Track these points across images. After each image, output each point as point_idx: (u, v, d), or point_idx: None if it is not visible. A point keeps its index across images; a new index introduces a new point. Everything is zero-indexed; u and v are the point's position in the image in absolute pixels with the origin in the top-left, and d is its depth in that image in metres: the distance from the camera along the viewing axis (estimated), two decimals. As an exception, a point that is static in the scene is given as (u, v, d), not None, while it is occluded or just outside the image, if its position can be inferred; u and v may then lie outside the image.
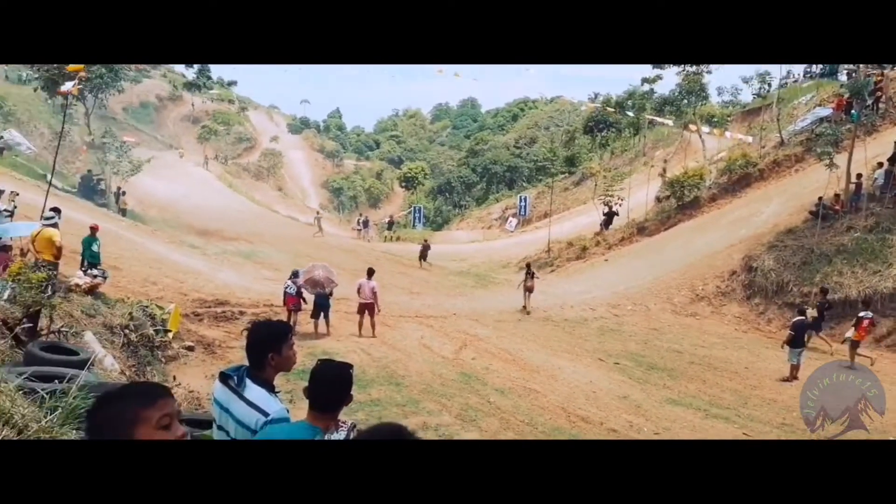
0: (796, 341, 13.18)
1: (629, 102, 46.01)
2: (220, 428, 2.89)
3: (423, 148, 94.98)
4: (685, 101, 36.80)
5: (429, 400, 10.55)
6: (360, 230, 42.66)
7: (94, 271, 12.42)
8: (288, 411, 2.82)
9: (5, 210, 13.55)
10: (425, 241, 31.70)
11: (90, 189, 32.39)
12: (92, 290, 11.62)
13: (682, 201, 28.74)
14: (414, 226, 47.93)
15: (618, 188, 30.66)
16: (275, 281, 18.61)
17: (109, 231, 19.09)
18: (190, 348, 12.06)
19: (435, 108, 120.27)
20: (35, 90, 35.91)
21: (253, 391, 2.81)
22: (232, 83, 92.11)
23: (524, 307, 19.64)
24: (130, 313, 10.93)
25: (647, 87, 44.85)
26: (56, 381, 5.99)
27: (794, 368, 13.05)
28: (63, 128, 20.39)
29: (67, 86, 14.42)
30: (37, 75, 34.09)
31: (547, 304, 20.22)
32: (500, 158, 62.25)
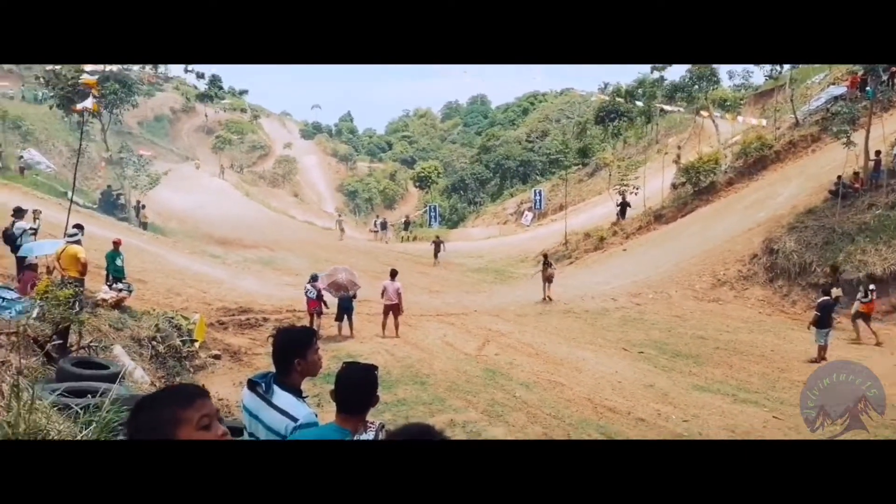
0: (823, 322, 13.04)
1: (639, 91, 45.68)
2: (250, 435, 2.94)
3: (436, 147, 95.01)
4: (696, 86, 36.48)
5: (454, 397, 10.59)
6: (377, 232, 42.93)
7: (120, 285, 12.62)
8: (316, 416, 2.86)
9: (30, 228, 13.78)
10: (437, 238, 32.01)
11: (110, 204, 32.84)
12: (118, 304, 11.81)
13: (698, 187, 28.50)
14: (430, 225, 48.00)
15: (633, 177, 30.47)
16: (295, 286, 18.77)
17: (132, 245, 19.37)
18: (217, 357, 12.21)
19: (445, 106, 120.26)
20: (50, 108, 36.50)
21: (281, 397, 2.84)
22: (243, 92, 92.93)
23: (545, 297, 19.91)
24: (157, 325, 11.10)
25: (657, 74, 44.51)
26: (89, 395, 6.11)
27: (822, 349, 12.92)
28: (81, 145, 20.68)
29: (86, 103, 14.60)
30: (52, 93, 34.64)
31: (567, 297, 20.17)
32: (513, 153, 62.08)
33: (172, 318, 12.06)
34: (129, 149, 38.29)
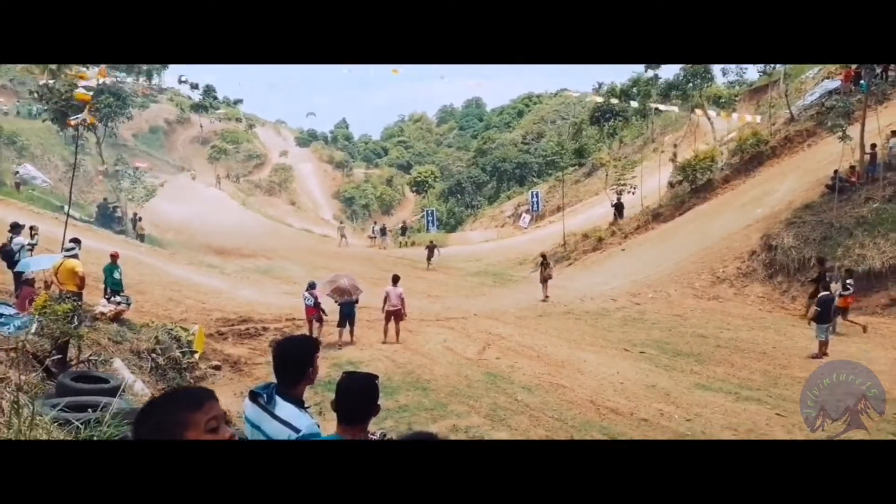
0: (823, 317, 13.01)
1: (634, 90, 45.74)
2: (253, 446, 2.92)
3: (432, 151, 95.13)
4: (690, 84, 36.55)
5: (456, 402, 10.56)
6: (374, 238, 43.02)
7: (118, 298, 12.59)
8: (318, 425, 2.84)
9: (28, 244, 13.74)
10: (431, 242, 32.46)
11: (107, 217, 32.79)
12: (117, 317, 11.78)
13: (695, 185, 28.54)
14: (428, 229, 48.04)
15: (629, 176, 30.50)
16: (294, 295, 18.73)
17: (129, 257, 19.34)
18: (217, 367, 12.17)
19: (440, 110, 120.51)
20: (43, 121, 36.50)
21: (283, 408, 2.82)
22: (238, 101, 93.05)
23: (545, 297, 20.20)
24: (156, 337, 11.07)
25: (651, 73, 44.58)
26: (89, 410, 6.08)
27: (823, 345, 12.89)
28: (76, 158, 20.68)
29: (82, 115, 14.60)
30: (46, 108, 34.64)
31: (567, 298, 20.15)
32: (509, 156, 62.17)
33: (171, 329, 12.03)
34: (125, 161, 38.32)
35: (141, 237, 31.02)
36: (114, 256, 13.74)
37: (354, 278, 15.62)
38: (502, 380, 11.82)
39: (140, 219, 32.74)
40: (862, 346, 13.35)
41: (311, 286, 14.93)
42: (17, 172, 34.63)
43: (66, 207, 19.09)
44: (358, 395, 2.77)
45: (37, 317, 8.78)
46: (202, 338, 12.67)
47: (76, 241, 12.14)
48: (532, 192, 45.75)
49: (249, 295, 20.05)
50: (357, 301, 14.91)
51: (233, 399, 9.86)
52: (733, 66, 39.76)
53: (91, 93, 15.12)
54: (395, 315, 14.81)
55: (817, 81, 31.89)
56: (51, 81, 35.63)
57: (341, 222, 50.69)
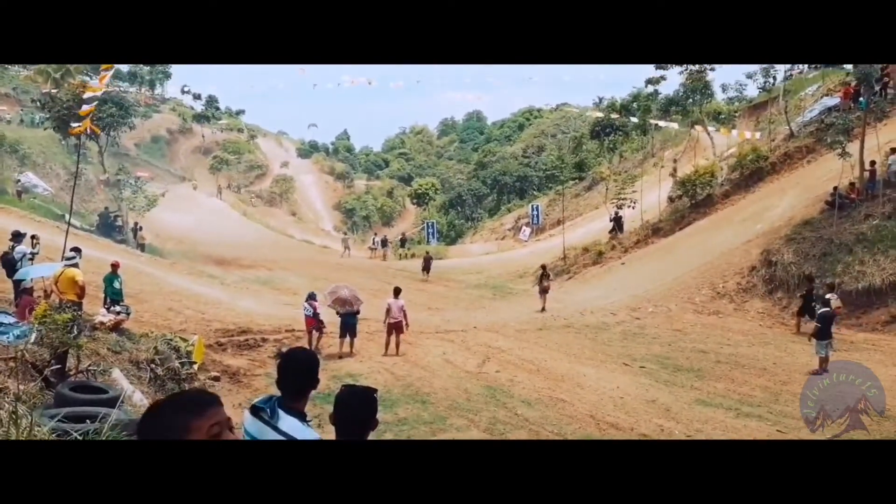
0: (823, 333, 12.99)
1: (634, 105, 45.97)
2: (253, 460, 2.91)
3: (432, 163, 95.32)
4: (690, 100, 36.72)
5: (456, 416, 10.52)
6: (374, 249, 43.12)
7: (117, 308, 12.58)
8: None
9: (30, 253, 13.76)
10: (427, 253, 32.92)
11: (108, 226, 32.84)
12: (116, 327, 11.76)
13: (694, 200, 28.60)
14: (428, 241, 48.09)
15: (630, 191, 30.58)
16: (294, 306, 18.71)
17: (129, 266, 19.32)
18: (216, 378, 12.13)
19: (441, 123, 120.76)
20: (45, 129, 36.65)
21: (286, 421, 2.81)
22: (240, 112, 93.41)
23: (543, 307, 20.60)
24: (155, 347, 11.04)
25: (651, 88, 44.79)
26: (88, 420, 6.06)
27: (824, 361, 12.86)
28: (78, 167, 20.75)
29: (82, 124, 14.70)
30: (48, 116, 34.79)
31: (567, 312, 20.14)
32: (510, 169, 62.34)
33: (171, 340, 12.00)
34: (127, 170, 38.42)
35: (141, 247, 31.03)
36: (114, 266, 13.74)
37: (355, 289, 15.66)
38: (502, 393, 11.78)
39: (141, 228, 32.78)
40: (863, 362, 13.31)
41: (311, 297, 14.96)
42: (19, 181, 34.70)
43: (68, 216, 19.11)
44: (356, 408, 2.76)
45: (36, 326, 8.77)
46: (201, 348, 12.64)
47: (77, 250, 12.15)
48: (532, 206, 45.83)
49: (249, 306, 20.02)
50: (358, 312, 14.92)
51: (232, 411, 9.71)
52: (733, 82, 40.00)
53: (94, 103, 15.21)
54: (397, 327, 14.80)
55: (817, 98, 32.04)
56: (53, 90, 35.83)
57: (345, 234, 51.25)
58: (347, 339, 14.68)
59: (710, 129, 33.95)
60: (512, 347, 15.45)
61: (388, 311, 14.81)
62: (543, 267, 22.63)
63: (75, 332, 9.15)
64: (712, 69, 35.36)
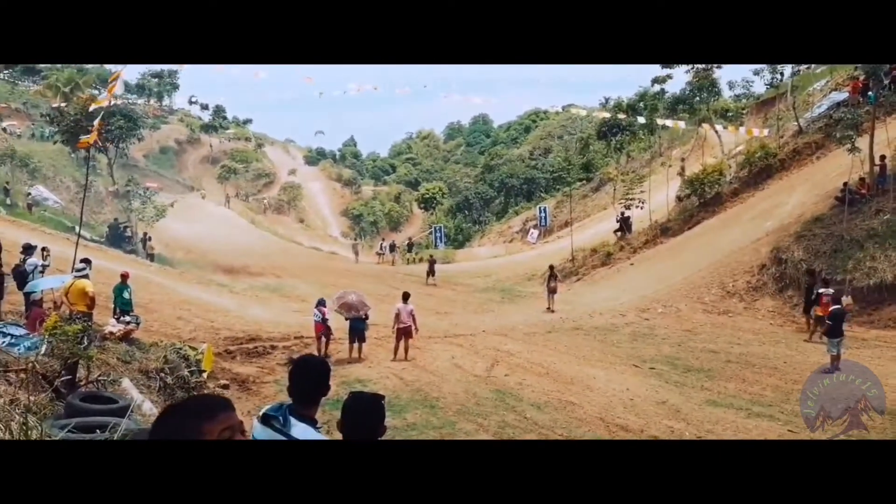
0: (834, 330, 12.89)
1: (641, 104, 45.77)
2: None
3: (439, 168, 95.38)
4: (697, 98, 36.52)
5: (465, 420, 10.49)
6: (382, 254, 43.30)
7: (127, 318, 12.66)
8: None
9: (41, 265, 13.88)
10: (431, 257, 33.32)
11: (118, 237, 33.08)
12: (126, 337, 11.83)
13: (703, 199, 28.45)
14: (436, 245, 48.14)
15: (638, 191, 30.47)
16: (302, 313, 18.76)
17: (139, 276, 19.44)
18: (225, 387, 12.17)
19: (447, 127, 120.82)
20: (54, 143, 36.98)
21: (298, 429, 2.81)
22: (247, 121, 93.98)
23: (548, 307, 21.00)
24: (165, 356, 11.10)
25: (657, 87, 44.58)
26: (98, 430, 6.10)
27: (835, 359, 12.75)
28: (87, 179, 20.94)
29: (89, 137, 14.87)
30: (57, 130, 35.13)
31: (576, 314, 20.07)
32: (516, 171, 62.32)
33: (180, 348, 12.06)
34: (136, 181, 38.69)
35: (151, 257, 31.24)
36: (124, 277, 13.83)
37: (363, 295, 15.72)
38: (511, 397, 11.74)
39: (150, 238, 33.00)
40: (874, 359, 13.19)
41: (321, 303, 15.03)
42: (30, 194, 35.06)
43: (78, 228, 19.26)
44: (364, 415, 2.76)
45: (47, 337, 8.84)
46: (211, 357, 12.69)
47: (87, 261, 12.23)
48: (540, 208, 45.76)
49: (258, 313, 20.10)
50: (367, 317, 14.95)
51: (241, 418, 9.84)
52: (739, 79, 39.75)
53: (100, 116, 15.35)
54: (406, 332, 14.80)
55: (825, 93, 31.82)
56: (63, 104, 36.15)
57: (355, 240, 52.37)
58: (356, 344, 14.72)
59: (718, 126, 33.75)
60: (521, 351, 15.41)
61: (398, 316, 14.80)
62: (551, 267, 22.76)
63: (85, 343, 9.21)
64: (719, 67, 35.14)
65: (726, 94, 39.74)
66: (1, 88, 61.15)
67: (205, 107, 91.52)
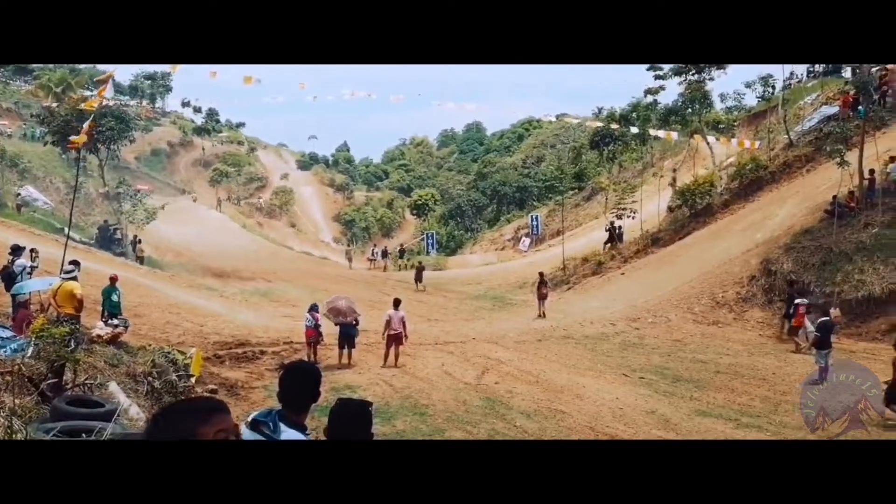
0: (823, 342, 12.96)
1: (633, 115, 46.06)
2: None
3: (432, 174, 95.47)
4: (689, 109, 36.78)
5: (454, 428, 10.46)
6: (374, 260, 43.28)
7: (115, 321, 12.57)
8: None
9: (29, 266, 13.77)
10: (419, 263, 34.02)
11: (107, 239, 32.83)
12: (114, 340, 11.74)
13: (694, 209, 28.60)
14: (427, 252, 48.14)
15: (629, 201, 30.61)
16: (292, 318, 18.69)
17: (128, 279, 19.32)
18: (213, 391, 12.08)
19: (441, 134, 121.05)
20: (45, 144, 36.76)
21: (288, 435, 2.80)
22: (240, 125, 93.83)
23: (539, 313, 21.27)
24: (153, 360, 11.01)
25: (650, 98, 44.92)
26: (84, 434, 6.04)
27: (823, 370, 12.81)
28: (77, 181, 20.81)
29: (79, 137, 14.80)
30: (48, 130, 34.92)
31: (566, 322, 20.09)
32: (509, 179, 62.44)
33: (168, 353, 11.96)
34: (127, 184, 38.48)
35: (140, 259, 31.01)
36: (113, 279, 13.74)
37: (353, 301, 15.67)
38: (500, 405, 11.73)
39: (140, 241, 32.79)
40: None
41: (313, 308, 14.99)
42: (19, 194, 34.77)
43: (67, 229, 19.12)
44: (350, 422, 2.75)
45: (33, 340, 8.76)
46: (199, 361, 12.60)
47: (75, 263, 12.15)
48: (532, 216, 45.88)
49: (248, 318, 20.00)
50: (357, 323, 14.90)
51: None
52: (731, 92, 40.10)
53: (91, 118, 15.29)
54: (397, 339, 14.75)
55: (815, 107, 32.11)
56: (54, 105, 35.94)
57: (349, 246, 52.91)
58: (346, 350, 14.67)
59: (710, 138, 33.99)
60: (511, 359, 15.40)
61: (389, 322, 14.76)
62: (541, 274, 22.89)
63: (73, 346, 9.13)
64: (711, 78, 35.41)
65: (718, 106, 40.16)
66: (-8, 88, 60.80)
67: (197, 109, 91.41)
